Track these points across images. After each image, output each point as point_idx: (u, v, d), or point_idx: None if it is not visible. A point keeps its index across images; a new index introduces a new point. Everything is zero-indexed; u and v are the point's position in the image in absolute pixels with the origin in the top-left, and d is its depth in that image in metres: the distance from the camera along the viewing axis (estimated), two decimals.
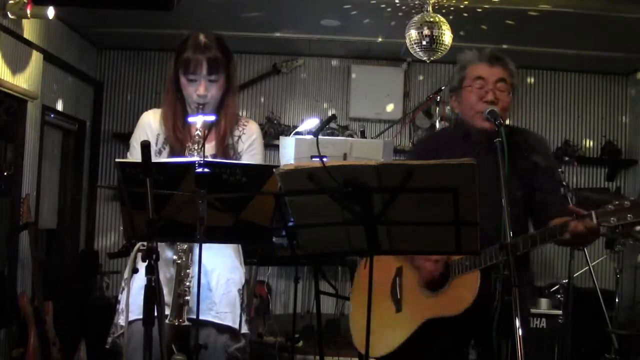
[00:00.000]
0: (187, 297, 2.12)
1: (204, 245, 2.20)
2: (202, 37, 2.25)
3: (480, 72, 2.30)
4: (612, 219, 1.91)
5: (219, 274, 2.29)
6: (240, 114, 2.46)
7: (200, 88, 2.24)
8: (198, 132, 2.20)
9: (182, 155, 2.22)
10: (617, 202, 1.94)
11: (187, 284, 2.13)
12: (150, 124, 2.35)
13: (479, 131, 2.29)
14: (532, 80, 5.67)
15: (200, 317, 2.15)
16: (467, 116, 2.34)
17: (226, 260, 2.33)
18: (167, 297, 2.15)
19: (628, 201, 1.91)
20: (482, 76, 2.29)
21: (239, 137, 2.35)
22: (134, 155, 2.29)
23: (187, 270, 2.14)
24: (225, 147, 2.30)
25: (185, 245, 2.15)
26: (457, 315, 2.17)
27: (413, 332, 2.32)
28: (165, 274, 2.19)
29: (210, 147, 2.28)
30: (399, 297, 2.42)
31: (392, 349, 2.36)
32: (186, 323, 2.10)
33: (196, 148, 2.19)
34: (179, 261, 2.14)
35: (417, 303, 2.35)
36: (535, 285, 4.89)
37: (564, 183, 2.35)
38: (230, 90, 2.34)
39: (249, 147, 2.35)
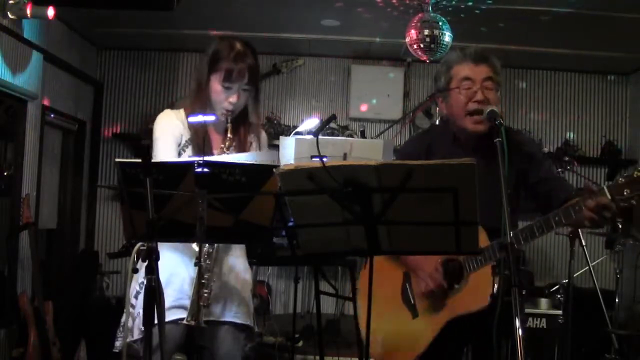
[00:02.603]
0: (208, 300, 2.15)
1: (222, 248, 2.27)
2: (238, 45, 2.25)
3: (467, 73, 2.29)
4: (625, 190, 1.90)
5: (236, 275, 2.34)
6: None
7: (235, 96, 2.25)
8: (229, 135, 2.23)
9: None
10: (626, 175, 1.92)
11: (211, 284, 2.16)
12: (172, 123, 2.30)
13: (469, 133, 2.28)
14: (527, 82, 5.67)
15: (220, 318, 2.25)
16: (457, 117, 2.31)
17: (239, 262, 2.38)
18: (187, 300, 2.16)
19: (637, 172, 1.89)
20: (469, 76, 2.28)
21: (251, 143, 2.39)
22: (158, 157, 2.25)
23: (211, 274, 2.16)
24: None
25: (212, 249, 2.17)
26: (482, 309, 2.12)
27: (437, 334, 2.26)
28: (190, 274, 2.21)
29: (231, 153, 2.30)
30: (412, 302, 2.36)
31: (416, 356, 2.30)
32: (202, 325, 2.10)
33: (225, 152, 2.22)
34: (202, 264, 2.13)
35: (435, 305, 2.29)
36: (534, 285, 4.90)
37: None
38: (256, 98, 2.35)
39: None
